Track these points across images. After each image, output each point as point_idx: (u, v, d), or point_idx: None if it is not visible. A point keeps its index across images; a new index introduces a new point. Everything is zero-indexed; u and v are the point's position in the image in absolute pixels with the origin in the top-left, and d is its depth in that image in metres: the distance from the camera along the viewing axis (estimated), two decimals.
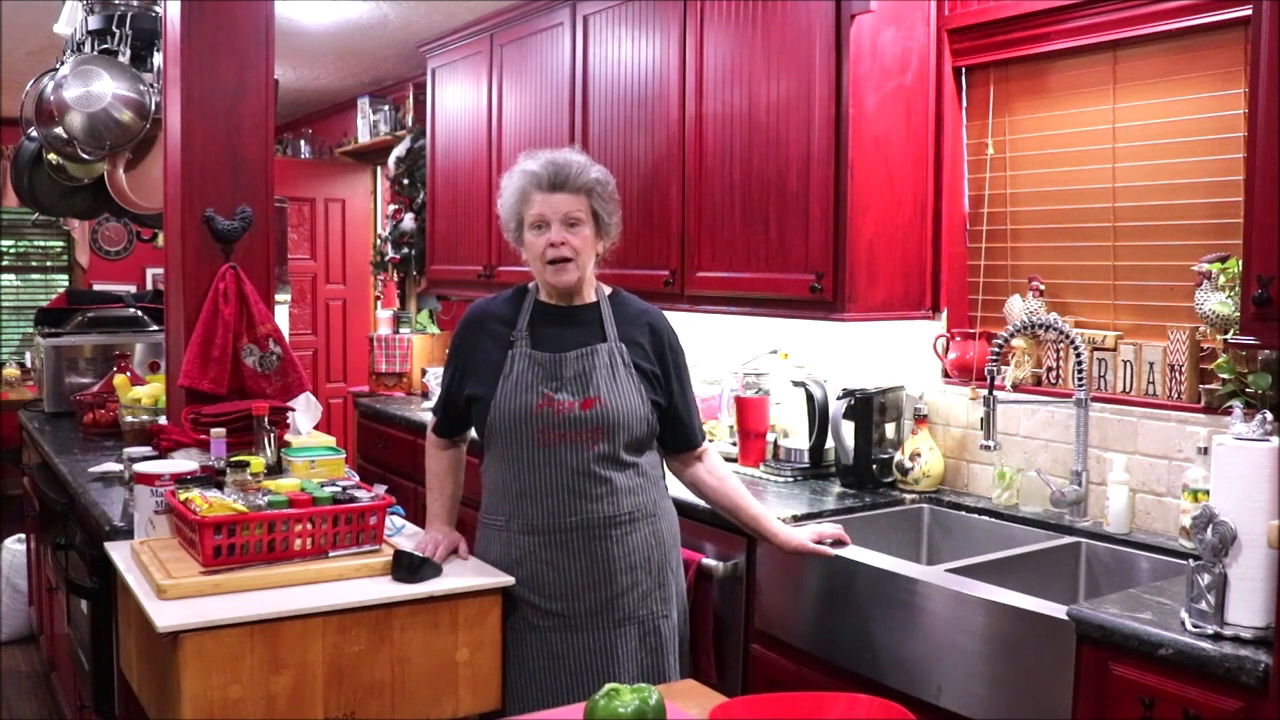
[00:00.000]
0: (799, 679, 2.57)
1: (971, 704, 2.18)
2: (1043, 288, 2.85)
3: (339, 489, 2.38)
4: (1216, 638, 1.82)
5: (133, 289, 6.38)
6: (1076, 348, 2.63)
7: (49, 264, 8.12)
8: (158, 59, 3.60)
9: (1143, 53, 2.65)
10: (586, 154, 2.42)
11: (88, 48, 3.76)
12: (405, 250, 5.77)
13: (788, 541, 2.47)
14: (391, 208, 6.15)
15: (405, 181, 5.72)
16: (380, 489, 2.46)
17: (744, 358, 3.57)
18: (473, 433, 2.50)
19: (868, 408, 3.07)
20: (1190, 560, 1.91)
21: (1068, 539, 2.61)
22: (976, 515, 2.86)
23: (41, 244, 8.04)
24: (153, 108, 3.63)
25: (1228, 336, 2.31)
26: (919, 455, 3.01)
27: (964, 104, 3.07)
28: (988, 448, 2.67)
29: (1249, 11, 2.11)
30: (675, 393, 2.43)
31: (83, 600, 2.83)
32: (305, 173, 6.82)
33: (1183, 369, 2.53)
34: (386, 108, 6.13)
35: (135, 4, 3.74)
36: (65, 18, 4.01)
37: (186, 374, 2.96)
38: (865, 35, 2.90)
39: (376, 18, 4.80)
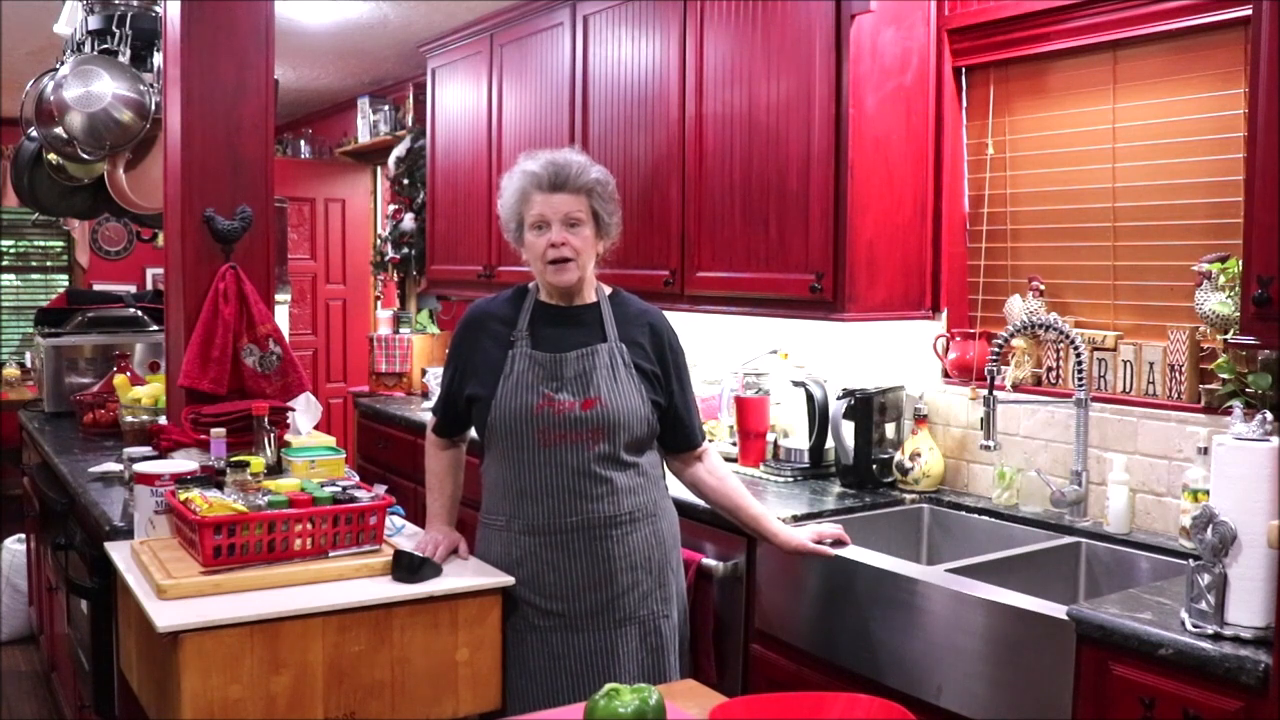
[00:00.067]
0: (799, 679, 2.57)
1: (971, 704, 2.18)
2: (1043, 288, 2.85)
3: (339, 489, 2.38)
4: (1216, 638, 1.82)
5: (133, 289, 6.38)
6: (1076, 348, 2.63)
7: (49, 264, 8.12)
8: (158, 59, 3.60)
9: (1143, 53, 2.65)
10: (586, 154, 2.42)
11: (88, 48, 3.76)
12: (405, 250, 5.77)
13: (788, 541, 2.47)
14: (391, 208, 6.15)
15: (405, 181, 5.72)
16: (380, 489, 2.46)
17: (744, 358, 3.57)
18: (473, 433, 2.50)
19: (868, 408, 3.07)
20: (1190, 560, 1.91)
21: (1068, 539, 2.61)
22: (976, 515, 2.86)
23: (41, 244, 8.04)
24: (153, 108, 3.63)
25: (1228, 336, 2.31)
26: (919, 455, 3.01)
27: (964, 104, 3.07)
28: (988, 448, 2.67)
29: (1249, 11, 2.11)
30: (675, 393, 2.43)
31: (83, 600, 2.83)
32: (305, 173, 6.82)
33: (1183, 369, 2.53)
34: (386, 108, 6.13)
35: (135, 4, 3.74)
36: (65, 18, 4.01)
37: (186, 374, 2.96)
38: (865, 35, 2.91)
39: (376, 18, 4.80)
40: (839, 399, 3.11)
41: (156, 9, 3.65)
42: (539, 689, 2.30)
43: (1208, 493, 2.06)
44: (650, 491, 2.39)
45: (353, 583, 2.21)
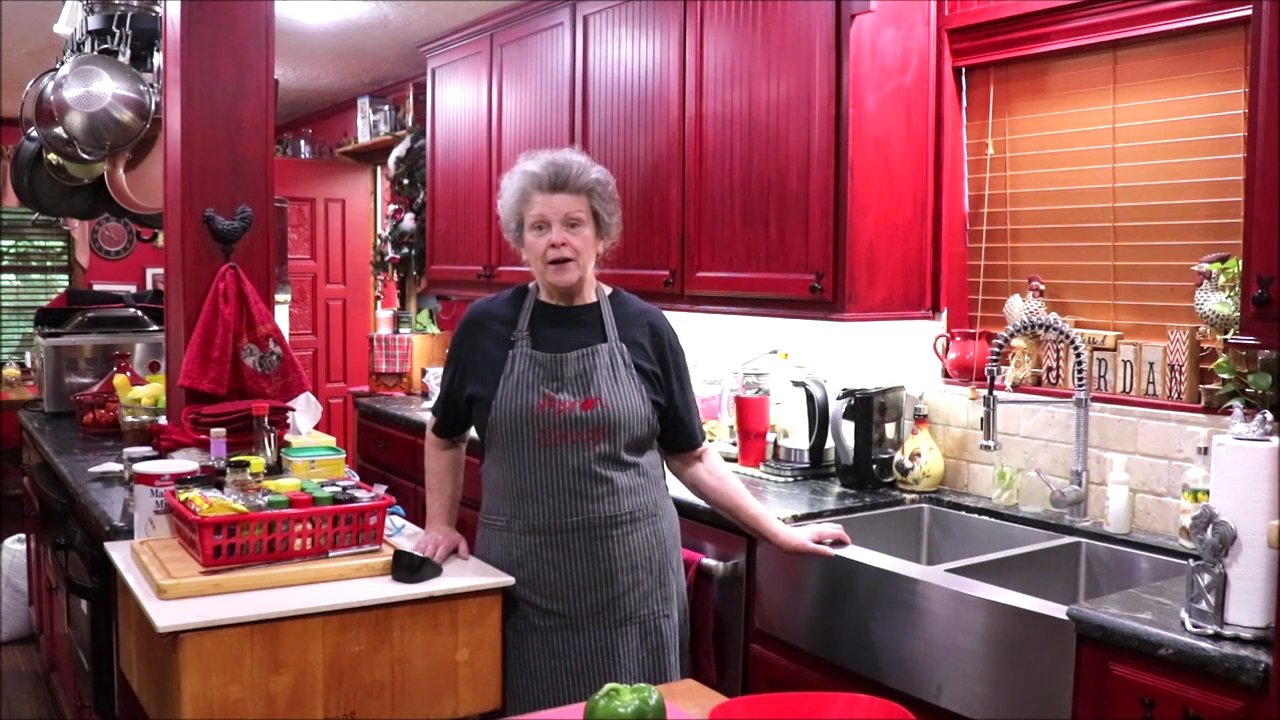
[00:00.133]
0: (799, 679, 2.57)
1: (971, 704, 2.18)
2: (1043, 288, 2.85)
3: (339, 489, 2.38)
4: (1216, 638, 1.82)
5: (133, 289, 6.38)
6: (1076, 348, 2.63)
7: (49, 264, 8.12)
8: (158, 59, 3.60)
9: (1143, 53, 2.65)
10: (586, 154, 2.42)
11: (88, 48, 3.76)
12: (405, 250, 5.77)
13: (788, 541, 2.47)
14: (391, 208, 6.15)
15: (405, 181, 5.72)
16: (380, 489, 2.46)
17: (744, 358, 3.57)
18: (473, 433, 2.50)
19: (868, 408, 3.07)
20: (1190, 560, 1.91)
21: (1068, 539, 2.61)
22: (976, 515, 2.86)
23: (41, 244, 8.04)
24: (153, 108, 3.63)
25: (1228, 336, 2.31)
26: (919, 455, 3.01)
27: (964, 104, 3.07)
28: (988, 448, 2.67)
29: (1249, 11, 2.11)
30: (675, 393, 2.44)
31: (83, 600, 2.83)
32: (305, 173, 6.82)
33: (1183, 369, 2.53)
34: (386, 108, 6.13)
35: (135, 4, 3.74)
36: (65, 18, 4.01)
37: (186, 374, 2.96)
38: (865, 35, 2.90)
39: (376, 18, 4.80)
40: (839, 399, 3.11)
41: (156, 9, 3.65)
42: (540, 688, 2.30)
43: (1208, 493, 2.06)
44: (650, 491, 2.39)
45: (353, 583, 2.21)
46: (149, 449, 3.03)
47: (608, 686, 1.54)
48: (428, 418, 2.63)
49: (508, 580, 2.29)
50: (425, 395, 5.11)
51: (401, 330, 5.66)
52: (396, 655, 2.16)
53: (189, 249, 3.01)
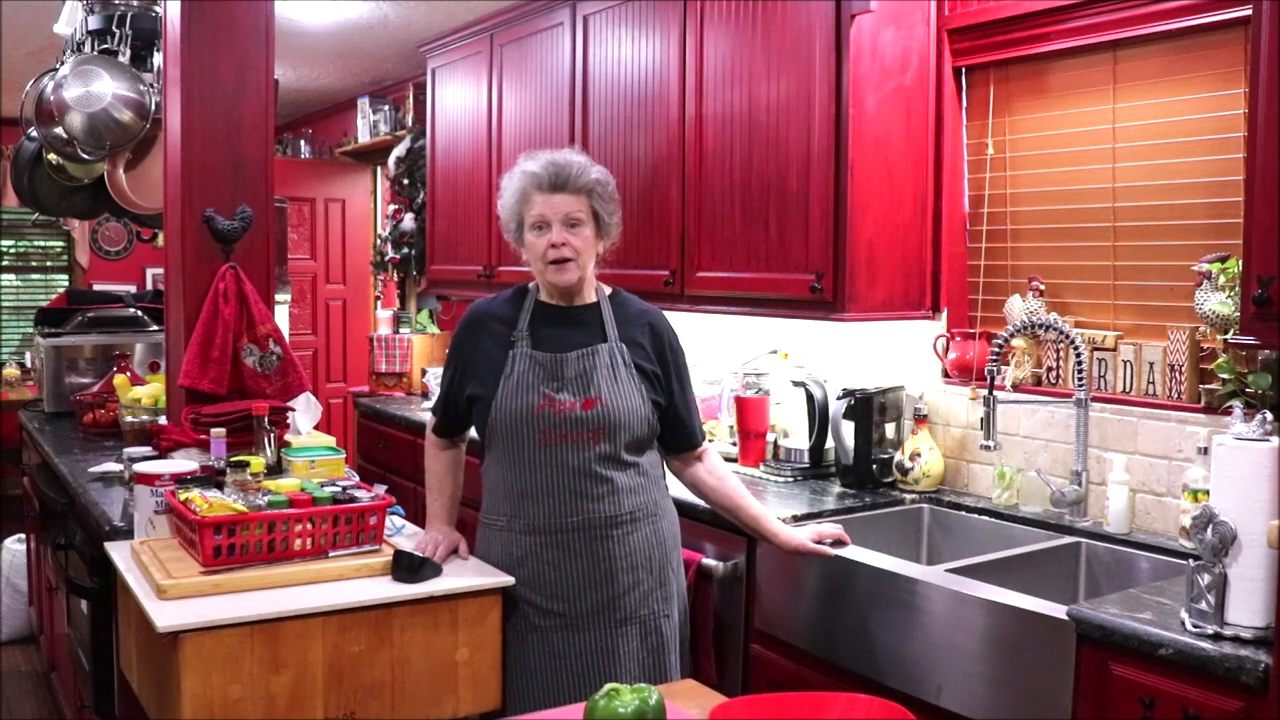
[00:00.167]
0: (799, 679, 2.57)
1: (971, 704, 2.18)
2: (1043, 288, 2.85)
3: (339, 489, 2.38)
4: (1216, 638, 1.82)
5: (133, 289, 6.38)
6: (1076, 348, 2.63)
7: (49, 264, 8.12)
8: (158, 59, 3.60)
9: (1143, 53, 2.65)
10: (586, 154, 2.42)
11: (88, 48, 3.76)
12: (405, 250, 5.77)
13: (788, 541, 2.47)
14: (391, 208, 6.15)
15: (405, 181, 5.72)
16: (380, 489, 2.46)
17: (744, 358, 3.57)
18: (473, 433, 2.50)
19: (868, 408, 3.07)
20: (1190, 560, 1.91)
21: (1068, 539, 2.61)
22: (976, 515, 2.86)
23: (41, 244, 8.04)
24: (153, 108, 3.63)
25: (1228, 336, 2.31)
26: (919, 455, 3.01)
27: (964, 104, 3.07)
28: (988, 448, 2.67)
29: (1249, 11, 2.11)
30: (675, 393, 2.44)
31: (83, 600, 2.83)
32: (305, 173, 6.82)
33: (1183, 369, 2.53)
34: (386, 108, 6.13)
35: (135, 4, 3.74)
36: (65, 18, 4.01)
37: (186, 374, 2.96)
38: (865, 35, 2.90)
39: (376, 18, 4.80)
40: (839, 399, 3.11)
41: (156, 9, 3.65)
42: (540, 688, 2.30)
43: (1208, 493, 2.06)
44: (651, 491, 2.39)
45: (353, 583, 2.21)
46: (149, 449, 3.03)
47: (608, 686, 1.54)
48: (428, 418, 2.63)
49: (508, 580, 2.29)
50: (425, 395, 5.11)
51: (401, 330, 5.66)
52: (396, 655, 2.16)
53: (189, 249, 3.01)
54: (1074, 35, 2.75)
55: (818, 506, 2.88)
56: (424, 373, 5.19)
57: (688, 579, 2.66)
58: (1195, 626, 1.86)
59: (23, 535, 4.75)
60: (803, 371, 3.35)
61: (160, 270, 7.07)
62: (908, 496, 2.99)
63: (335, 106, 6.98)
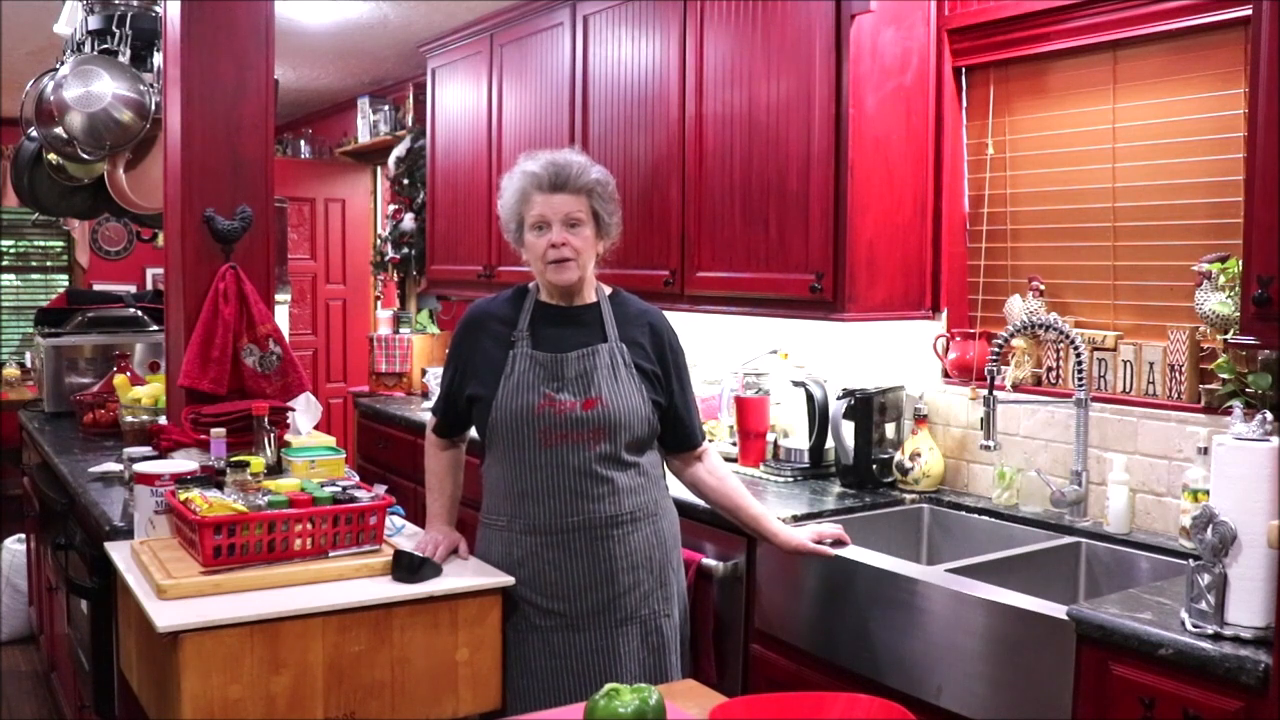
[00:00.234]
0: (799, 679, 2.57)
1: (971, 704, 2.18)
2: (1043, 288, 2.85)
3: (339, 489, 2.38)
4: (1216, 638, 1.82)
5: (133, 289, 6.38)
6: (1076, 348, 2.63)
7: (49, 264, 8.12)
8: (158, 59, 3.60)
9: (1143, 53, 2.65)
10: (586, 154, 2.42)
11: (88, 48, 3.76)
12: (405, 250, 5.77)
13: (788, 541, 2.47)
14: (391, 208, 6.15)
15: (405, 181, 5.72)
16: (380, 489, 2.46)
17: (744, 358, 3.57)
18: (473, 433, 2.50)
19: (868, 408, 3.07)
20: (1190, 560, 1.91)
21: (1068, 539, 2.61)
22: (976, 515, 2.86)
23: (41, 244, 8.04)
24: (153, 108, 3.63)
25: (1228, 336, 2.31)
26: (919, 455, 3.01)
27: (964, 104, 3.07)
28: (988, 448, 2.67)
29: (1249, 11, 2.11)
30: (675, 392, 2.44)
31: (83, 600, 2.83)
32: (305, 173, 6.82)
33: (1183, 369, 2.53)
34: (386, 108, 6.13)
35: (135, 4, 3.74)
36: (65, 18, 4.01)
37: (186, 374, 2.96)
38: (865, 35, 2.90)
39: (376, 18, 4.80)
40: (839, 399, 3.11)
41: (156, 9, 3.65)
42: (541, 688, 2.30)
43: (1208, 493, 2.06)
44: (651, 491, 2.39)
45: (353, 583, 2.21)
46: (149, 449, 3.02)
47: (608, 686, 1.54)
48: (428, 418, 2.63)
49: (508, 580, 2.29)
50: (425, 395, 5.11)
51: (401, 330, 5.66)
52: (396, 655, 2.16)
53: (189, 249, 3.01)
54: (1074, 35, 2.75)
55: (818, 506, 2.88)
56: (424, 373, 5.19)
57: (688, 579, 2.65)
58: (1195, 626, 1.86)
59: (23, 535, 4.75)
60: (803, 371, 3.35)
61: (160, 270, 7.07)
62: (908, 496, 2.99)
63: (335, 106, 6.98)
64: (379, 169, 6.80)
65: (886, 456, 3.08)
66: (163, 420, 3.23)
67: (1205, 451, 2.34)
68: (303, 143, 7.03)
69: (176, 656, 1.97)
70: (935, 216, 3.08)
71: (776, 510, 2.72)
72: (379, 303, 6.79)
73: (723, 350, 3.82)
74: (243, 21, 3.03)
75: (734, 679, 2.77)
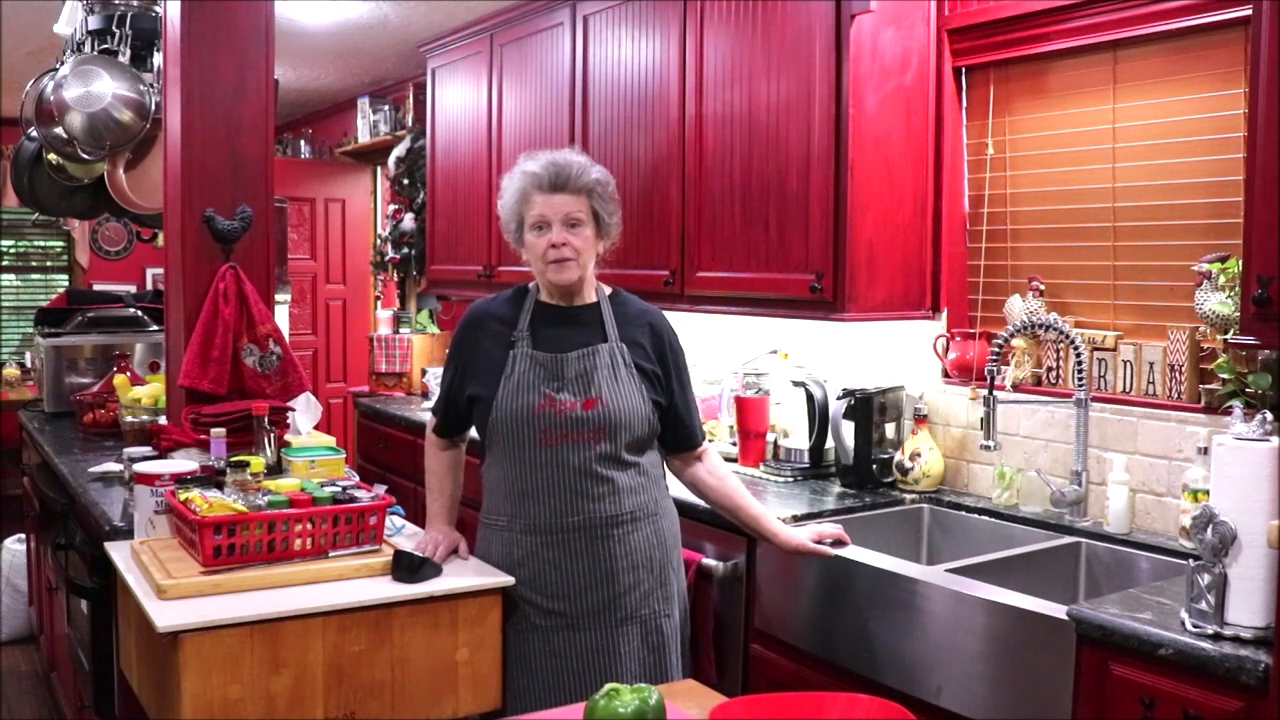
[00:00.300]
0: (799, 679, 2.57)
1: (971, 704, 2.18)
2: (1043, 288, 2.85)
3: (339, 489, 2.38)
4: (1216, 638, 1.82)
5: (133, 289, 6.38)
6: (1076, 348, 2.63)
7: (49, 264, 8.12)
8: (158, 59, 3.60)
9: (1143, 53, 2.65)
10: (586, 154, 2.42)
11: (88, 48, 3.76)
12: (405, 250, 5.77)
13: (788, 541, 2.47)
14: (391, 208, 6.15)
15: (405, 181, 5.72)
16: (380, 489, 2.46)
17: (744, 358, 3.57)
18: (473, 433, 2.50)
19: (868, 408, 3.07)
20: (1190, 560, 1.91)
21: (1068, 539, 2.61)
22: (976, 515, 2.86)
23: (41, 244, 8.04)
24: (153, 108, 3.63)
25: (1228, 336, 2.31)
26: (919, 455, 3.01)
27: (964, 104, 3.07)
28: (988, 448, 2.67)
29: (1249, 11, 2.11)
30: (675, 392, 2.44)
31: (83, 600, 2.83)
32: (305, 173, 6.82)
33: (1183, 369, 2.53)
34: (386, 108, 6.13)
35: (135, 4, 3.74)
36: (65, 18, 4.01)
37: (186, 374, 2.96)
38: (865, 35, 2.90)
39: (376, 18, 4.80)
40: (839, 399, 3.11)
41: (156, 9, 3.65)
42: (541, 688, 2.31)
43: (1208, 493, 2.06)
44: (651, 491, 2.39)
45: (353, 583, 2.21)
46: (149, 449, 3.02)
47: (608, 686, 1.54)
48: (428, 418, 2.63)
49: (508, 580, 2.29)
50: (425, 395, 5.11)
51: (401, 330, 5.66)
52: (396, 655, 2.16)
53: (189, 249, 3.01)
54: (1074, 35, 2.75)
55: (818, 506, 2.88)
56: (424, 373, 5.19)
57: (688, 579, 2.65)
58: (1195, 626, 1.86)
59: (23, 535, 4.75)
60: (803, 371, 3.35)
61: (160, 270, 7.07)
62: (908, 496, 2.99)
63: (335, 106, 6.98)
64: (379, 169, 6.80)
65: (886, 456, 3.08)
66: (163, 420, 3.23)
67: (1205, 451, 2.34)
68: (303, 143, 7.03)
69: (176, 656, 1.97)
70: (935, 216, 3.08)
71: (776, 510, 2.72)
72: (379, 303, 6.79)
73: (723, 350, 3.82)
74: (243, 21, 3.03)
75: (734, 679, 2.77)
